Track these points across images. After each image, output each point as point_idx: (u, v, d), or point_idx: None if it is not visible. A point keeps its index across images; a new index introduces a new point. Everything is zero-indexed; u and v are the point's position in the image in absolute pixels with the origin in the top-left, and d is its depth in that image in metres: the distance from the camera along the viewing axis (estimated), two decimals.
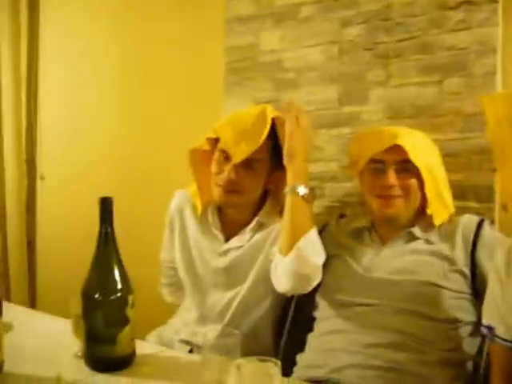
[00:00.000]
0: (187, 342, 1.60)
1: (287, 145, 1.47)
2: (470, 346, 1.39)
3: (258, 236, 1.59)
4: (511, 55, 1.58)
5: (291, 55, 1.93)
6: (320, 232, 1.65)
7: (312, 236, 1.46)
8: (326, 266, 1.55)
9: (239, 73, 2.05)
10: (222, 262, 1.61)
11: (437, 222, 1.45)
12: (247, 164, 1.51)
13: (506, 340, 1.18)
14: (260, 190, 1.60)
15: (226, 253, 1.61)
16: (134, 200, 2.29)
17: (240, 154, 1.49)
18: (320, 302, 1.53)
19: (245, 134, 1.49)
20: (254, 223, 1.60)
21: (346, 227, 1.62)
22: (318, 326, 1.49)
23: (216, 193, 1.56)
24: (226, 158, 1.53)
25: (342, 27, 1.83)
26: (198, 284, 1.65)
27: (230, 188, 1.53)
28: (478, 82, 1.60)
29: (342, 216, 1.72)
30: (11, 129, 2.83)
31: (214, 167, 1.56)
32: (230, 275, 1.60)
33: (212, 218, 1.64)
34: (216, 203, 1.61)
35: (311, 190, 1.49)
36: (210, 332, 1.58)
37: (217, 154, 1.56)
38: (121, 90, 2.50)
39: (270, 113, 1.52)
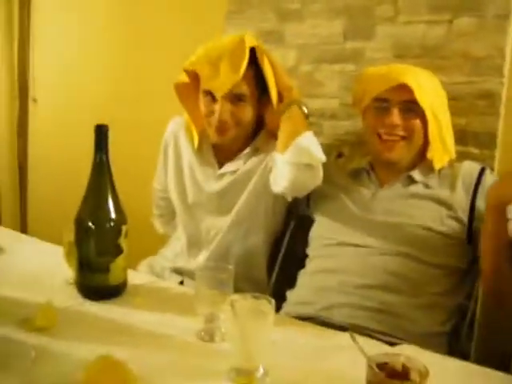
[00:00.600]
0: (179, 271, 1.62)
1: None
2: (459, 291, 1.41)
3: (252, 160, 1.57)
4: None
5: None
6: None
7: (310, 135, 1.46)
8: (322, 204, 1.56)
9: (242, 1, 1.96)
10: (217, 186, 1.59)
11: (437, 166, 1.43)
12: (234, 99, 1.48)
13: None
14: (253, 121, 1.56)
15: (220, 177, 1.59)
16: (129, 126, 2.24)
17: (221, 87, 1.45)
18: (314, 239, 1.53)
19: (223, 67, 1.44)
20: (248, 149, 1.58)
21: (344, 167, 1.60)
22: (311, 264, 1.49)
23: (210, 133, 1.54)
24: (212, 98, 1.49)
25: None
26: (191, 211, 1.64)
27: (224, 127, 1.50)
28: (489, 23, 1.54)
29: (340, 155, 1.70)
30: (2, 50, 2.73)
31: (203, 109, 1.52)
32: (224, 200, 1.59)
33: (206, 147, 1.62)
34: (212, 141, 1.58)
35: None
36: (202, 258, 1.60)
37: (202, 96, 1.52)
38: (116, 10, 2.40)
39: (249, 42, 1.46)
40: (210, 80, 1.46)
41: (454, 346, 1.38)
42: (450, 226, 1.38)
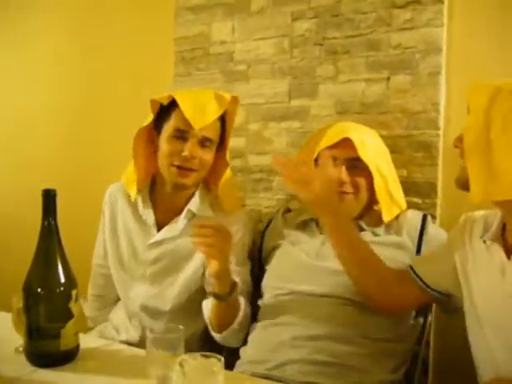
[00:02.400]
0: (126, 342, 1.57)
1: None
2: (410, 337, 1.44)
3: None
4: (455, 55, 1.63)
5: (242, 47, 1.93)
6: (266, 226, 1.68)
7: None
8: (272, 256, 1.58)
9: (189, 63, 2.03)
10: (153, 253, 1.58)
11: (385, 218, 1.49)
12: (202, 142, 1.52)
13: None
14: (205, 175, 1.59)
15: (157, 245, 1.58)
16: (78, 189, 2.24)
17: (201, 122, 1.48)
18: (265, 290, 1.54)
19: (204, 106, 1.50)
20: (185, 212, 1.58)
21: (292, 221, 1.64)
22: (263, 317, 1.50)
23: (172, 173, 1.53)
24: (182, 136, 1.52)
25: (293, 21, 1.84)
26: (124, 276, 1.62)
27: (188, 166, 1.52)
28: (423, 80, 1.64)
29: (288, 211, 1.73)
30: None
31: (166, 149, 1.53)
32: (160, 266, 1.58)
33: (144, 204, 1.61)
34: (171, 183, 1.57)
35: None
36: (134, 328, 1.58)
37: (170, 134, 1.53)
38: (65, 78, 2.43)
39: (226, 95, 1.55)
40: (190, 113, 1.48)
41: None
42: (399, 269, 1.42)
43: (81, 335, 1.24)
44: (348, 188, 1.49)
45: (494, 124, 1.07)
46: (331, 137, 1.50)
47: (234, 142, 1.91)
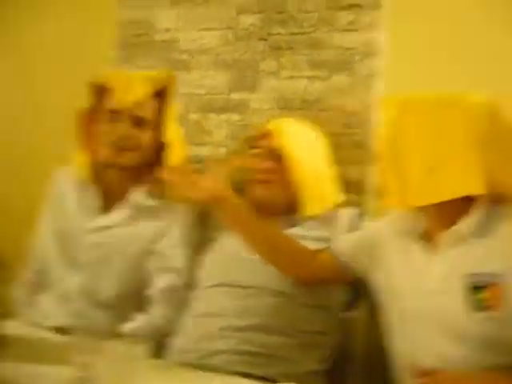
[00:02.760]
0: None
1: None
2: (338, 329, 1.48)
3: (136, 217, 1.57)
4: (393, 59, 1.67)
5: (186, 36, 1.91)
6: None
7: None
8: (207, 247, 1.59)
9: (132, 49, 2.00)
10: (93, 238, 1.56)
11: (309, 211, 1.52)
12: (136, 122, 1.52)
13: None
14: (146, 156, 1.57)
15: (98, 230, 1.56)
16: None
17: (132, 97, 1.48)
18: (198, 281, 1.55)
19: (133, 86, 1.51)
20: (130, 199, 1.57)
21: None
22: (194, 307, 1.50)
23: (106, 153, 1.52)
24: (116, 117, 1.51)
25: (238, 14, 1.84)
26: (65, 259, 1.58)
27: (123, 144, 1.51)
28: (361, 81, 1.69)
29: None
30: None
31: (102, 128, 1.53)
32: (100, 253, 1.56)
33: (89, 187, 1.59)
34: (106, 163, 1.56)
35: None
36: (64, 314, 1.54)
37: (104, 115, 1.53)
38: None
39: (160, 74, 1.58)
40: (121, 88, 1.50)
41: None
42: None
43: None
44: (270, 177, 1.52)
45: (402, 135, 1.15)
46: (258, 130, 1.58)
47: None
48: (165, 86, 1.56)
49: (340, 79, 1.71)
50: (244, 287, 1.43)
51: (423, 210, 1.17)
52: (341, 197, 1.59)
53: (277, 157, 1.51)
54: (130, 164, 1.54)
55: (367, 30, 1.68)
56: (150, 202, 1.58)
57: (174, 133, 1.59)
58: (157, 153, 1.58)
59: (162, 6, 1.95)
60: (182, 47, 1.92)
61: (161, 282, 1.53)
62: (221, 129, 1.87)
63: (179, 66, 1.92)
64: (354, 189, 1.69)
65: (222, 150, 1.83)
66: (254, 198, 1.54)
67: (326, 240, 1.48)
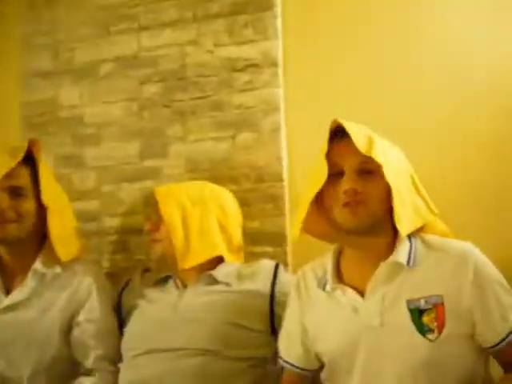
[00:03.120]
0: None
1: None
2: (266, 380, 1.46)
3: (44, 288, 1.53)
4: (292, 113, 1.76)
5: (91, 111, 1.94)
6: (123, 288, 1.66)
7: None
8: (128, 318, 1.56)
9: (38, 128, 1.99)
10: (3, 319, 1.50)
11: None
12: (12, 192, 1.49)
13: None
14: (31, 224, 1.53)
15: (7, 311, 1.50)
16: None
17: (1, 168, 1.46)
18: (123, 353, 1.51)
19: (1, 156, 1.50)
20: (30, 273, 1.52)
21: (150, 279, 1.64)
22: (122, 378, 1.46)
23: None
24: None
25: (140, 84, 1.89)
26: None
27: (3, 219, 1.47)
28: (265, 137, 1.75)
29: (147, 270, 1.73)
30: None
31: None
32: (12, 334, 1.49)
33: None
34: None
35: None
36: None
37: None
38: None
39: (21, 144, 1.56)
40: None
41: None
42: (254, 318, 1.46)
43: None
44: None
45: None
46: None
47: (87, 205, 1.91)
48: (31, 151, 1.55)
49: (245, 137, 1.77)
50: (169, 351, 1.41)
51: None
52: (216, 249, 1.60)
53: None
54: (15, 235, 1.50)
55: (265, 88, 1.77)
56: (58, 269, 1.54)
57: (52, 195, 1.56)
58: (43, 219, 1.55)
59: (66, 84, 1.97)
60: (89, 121, 1.94)
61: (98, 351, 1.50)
62: (135, 197, 1.87)
63: (87, 140, 1.93)
64: (271, 241, 1.73)
65: (138, 218, 1.83)
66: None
67: (252, 293, 1.50)
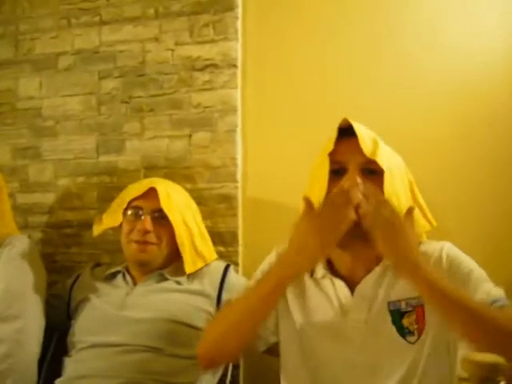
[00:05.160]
0: None
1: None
2: (211, 379, 1.49)
3: None
4: (249, 114, 1.78)
5: (50, 103, 1.93)
6: (74, 282, 1.67)
7: None
8: (76, 312, 1.58)
9: None
10: None
11: (187, 269, 1.54)
12: None
13: None
14: None
15: None
16: None
17: None
18: (69, 345, 1.53)
19: None
20: None
21: (100, 274, 1.65)
22: (65, 371, 1.48)
23: None
24: None
25: (100, 79, 1.89)
26: None
27: None
28: (221, 137, 1.77)
29: (98, 265, 1.74)
30: None
31: None
32: None
33: None
34: None
35: None
36: None
37: None
38: None
39: None
40: None
41: None
42: (201, 317, 1.48)
43: None
44: (152, 238, 1.54)
45: None
46: (139, 188, 1.57)
47: (42, 198, 1.91)
48: None
49: (201, 136, 1.79)
50: (113, 346, 1.42)
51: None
52: (214, 253, 1.64)
53: (161, 216, 1.53)
54: None
55: (224, 88, 1.78)
56: None
57: None
58: None
59: (25, 75, 1.96)
60: (46, 114, 1.93)
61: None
62: (91, 191, 1.87)
63: (45, 132, 1.93)
64: (224, 241, 1.76)
65: (93, 213, 1.84)
66: (134, 259, 1.57)
67: (200, 293, 1.52)
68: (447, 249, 1.17)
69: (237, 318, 1.14)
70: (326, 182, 1.17)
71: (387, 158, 1.18)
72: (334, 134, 1.21)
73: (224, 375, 1.57)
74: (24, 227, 1.88)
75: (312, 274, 1.24)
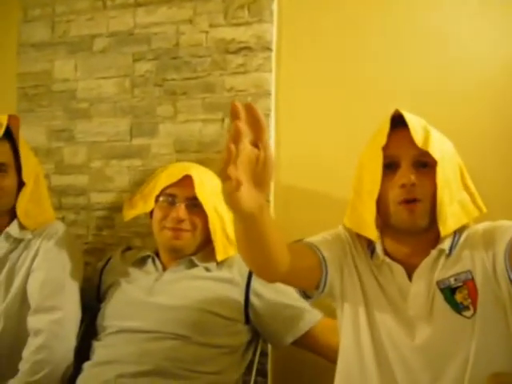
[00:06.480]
0: None
1: None
2: (237, 368, 1.49)
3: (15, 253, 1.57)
4: (283, 99, 1.74)
5: (85, 85, 1.93)
6: (104, 265, 1.68)
7: None
8: (106, 295, 1.59)
9: (32, 99, 2.00)
10: None
11: (219, 257, 1.53)
12: None
13: None
14: (12, 197, 1.56)
15: None
16: None
17: None
18: (98, 329, 1.54)
19: None
20: (3, 236, 1.58)
21: (130, 258, 1.65)
22: (95, 354, 1.48)
23: None
24: None
25: (134, 62, 1.88)
26: None
27: None
28: None
29: (128, 248, 1.74)
30: None
31: None
32: None
33: None
34: None
35: None
36: None
37: None
38: None
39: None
40: None
41: None
42: (229, 306, 1.47)
43: None
44: (186, 225, 1.53)
45: None
46: (173, 175, 1.56)
47: (76, 180, 1.93)
48: (10, 127, 1.55)
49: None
50: (141, 332, 1.43)
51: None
52: None
53: (194, 204, 1.52)
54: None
55: (258, 72, 1.74)
56: (29, 235, 1.57)
57: (31, 173, 1.59)
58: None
59: (60, 57, 1.97)
60: (81, 96, 1.93)
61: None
62: (123, 175, 1.87)
63: (79, 114, 1.93)
64: None
65: (125, 196, 1.84)
66: (168, 246, 1.56)
67: (229, 281, 1.50)
68: (484, 224, 1.18)
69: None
70: (379, 176, 1.15)
71: (440, 147, 1.15)
72: (385, 125, 1.18)
73: (251, 362, 1.55)
74: (58, 208, 1.90)
75: (372, 255, 1.22)
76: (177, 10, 1.84)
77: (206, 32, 1.81)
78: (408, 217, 1.13)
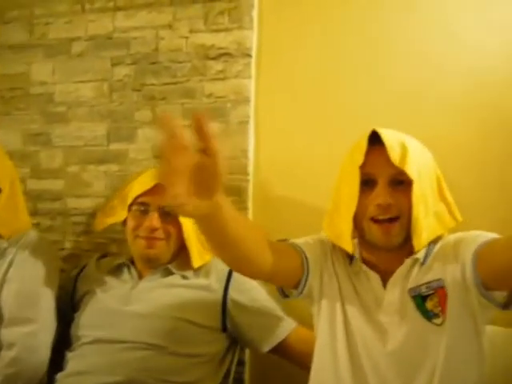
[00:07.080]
0: None
1: None
2: (214, 376, 1.47)
3: None
4: (262, 105, 1.74)
5: (62, 89, 1.91)
6: (79, 272, 1.65)
7: None
8: (80, 304, 1.56)
9: (9, 102, 1.96)
10: None
11: (195, 264, 1.51)
12: None
13: None
14: None
15: None
16: None
17: None
18: (72, 338, 1.51)
19: None
20: None
21: (106, 266, 1.63)
22: (68, 365, 1.46)
23: None
24: None
25: (112, 66, 1.86)
26: None
27: None
28: (233, 128, 1.73)
29: (104, 256, 1.72)
30: None
31: None
32: None
33: None
34: None
35: None
36: None
37: None
38: None
39: None
40: None
41: None
42: (205, 314, 1.46)
43: None
44: (160, 234, 1.51)
45: None
46: (145, 183, 1.53)
47: (51, 185, 1.89)
48: None
49: (214, 126, 1.74)
50: (115, 342, 1.41)
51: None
52: None
53: (166, 212, 1.49)
54: None
55: (237, 78, 1.74)
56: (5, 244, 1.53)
57: (5, 179, 1.55)
58: None
59: (38, 60, 1.94)
60: (58, 100, 1.91)
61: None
62: (100, 180, 1.85)
63: (56, 118, 1.91)
64: None
65: (102, 202, 1.81)
66: (142, 255, 1.54)
67: (206, 288, 1.49)
68: (456, 234, 1.19)
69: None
70: (356, 193, 1.16)
71: (417, 163, 1.16)
72: (363, 143, 1.18)
73: (228, 371, 1.54)
74: (34, 214, 1.87)
75: (351, 262, 1.24)
76: (156, 15, 1.83)
77: (186, 37, 1.80)
78: (383, 236, 1.15)
